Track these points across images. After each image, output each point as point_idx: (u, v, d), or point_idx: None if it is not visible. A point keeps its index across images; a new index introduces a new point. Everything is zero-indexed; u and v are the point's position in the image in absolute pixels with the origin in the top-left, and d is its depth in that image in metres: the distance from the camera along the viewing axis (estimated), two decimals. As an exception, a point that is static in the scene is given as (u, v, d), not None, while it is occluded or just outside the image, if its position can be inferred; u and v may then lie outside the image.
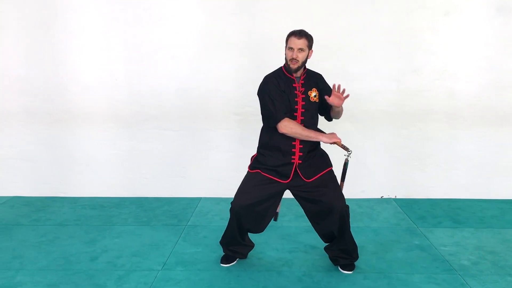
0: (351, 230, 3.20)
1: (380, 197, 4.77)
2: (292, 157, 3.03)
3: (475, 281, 3.10)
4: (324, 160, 3.14)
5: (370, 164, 4.60)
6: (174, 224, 4.11)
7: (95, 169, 4.77)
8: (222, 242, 3.35)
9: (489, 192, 4.73)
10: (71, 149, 4.74)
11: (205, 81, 4.59)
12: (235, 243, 3.29)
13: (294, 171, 3.03)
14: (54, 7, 4.50)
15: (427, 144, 4.67)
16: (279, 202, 3.18)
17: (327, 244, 3.32)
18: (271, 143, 3.05)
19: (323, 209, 3.07)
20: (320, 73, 3.16)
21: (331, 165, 3.15)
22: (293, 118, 2.98)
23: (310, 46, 2.97)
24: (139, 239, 3.78)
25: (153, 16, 4.51)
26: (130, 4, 4.49)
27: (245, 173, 3.21)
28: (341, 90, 2.91)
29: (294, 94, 2.99)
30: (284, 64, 3.03)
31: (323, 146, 3.18)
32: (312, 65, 3.17)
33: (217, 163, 4.73)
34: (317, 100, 3.07)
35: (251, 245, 3.40)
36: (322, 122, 3.21)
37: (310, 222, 3.24)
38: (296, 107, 2.99)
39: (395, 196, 4.78)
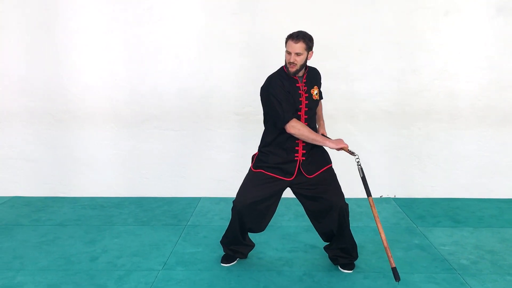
0: (351, 229, 3.21)
1: (379, 197, 4.78)
2: (296, 154, 3.04)
3: (474, 280, 3.11)
4: (324, 157, 3.15)
5: (370, 164, 4.61)
6: (174, 224, 4.11)
7: (95, 169, 4.77)
8: (223, 242, 3.36)
9: (488, 192, 4.74)
10: (72, 149, 4.74)
11: (205, 81, 4.60)
12: (236, 242, 3.30)
13: (298, 168, 3.04)
14: (54, 7, 4.50)
15: (427, 144, 4.68)
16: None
17: (327, 243, 3.33)
18: (275, 142, 3.06)
19: (322, 207, 3.08)
20: (317, 68, 3.18)
21: (331, 162, 3.17)
22: (297, 117, 2.99)
23: (309, 48, 2.94)
24: (139, 239, 3.79)
25: (153, 16, 4.51)
26: (130, 4, 4.49)
27: (245, 173, 3.22)
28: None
29: (298, 94, 3.00)
30: (285, 66, 3.04)
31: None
32: (312, 65, 3.17)
33: (217, 163, 4.74)
34: (318, 98, 3.10)
35: (251, 245, 3.41)
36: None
37: (310, 220, 3.25)
38: (300, 106, 3.00)
39: (395, 196, 4.79)
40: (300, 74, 3.03)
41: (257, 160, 3.14)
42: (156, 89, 4.63)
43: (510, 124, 4.63)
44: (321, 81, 3.20)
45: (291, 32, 2.95)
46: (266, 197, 3.07)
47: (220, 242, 3.39)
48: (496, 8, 4.45)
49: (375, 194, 4.72)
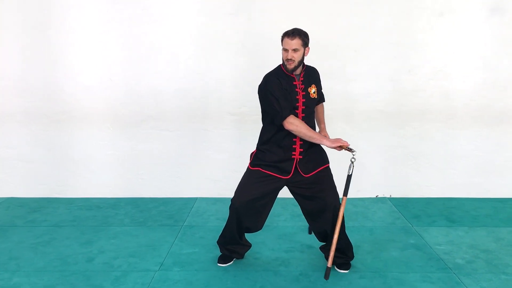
0: (346, 229, 3.22)
1: (375, 196, 4.80)
2: (293, 153, 3.06)
3: (469, 279, 3.13)
4: (322, 156, 3.17)
5: (366, 164, 4.62)
6: (170, 224, 4.11)
7: (91, 170, 4.76)
8: (219, 242, 3.36)
9: (483, 191, 4.77)
10: (67, 149, 4.72)
11: (202, 81, 4.60)
12: (233, 242, 3.30)
13: (295, 166, 3.05)
14: (51, 8, 4.49)
15: (423, 144, 4.70)
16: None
17: (323, 243, 3.34)
18: (272, 140, 3.08)
19: (318, 207, 3.10)
20: (315, 67, 3.20)
21: (328, 162, 3.18)
22: (295, 115, 3.00)
23: (305, 44, 2.97)
24: (135, 239, 3.79)
25: (150, 16, 4.50)
26: (127, 4, 4.48)
27: (242, 173, 3.23)
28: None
29: (295, 92, 3.01)
30: (282, 64, 3.05)
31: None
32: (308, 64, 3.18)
33: (213, 163, 4.74)
34: (316, 96, 3.11)
35: (248, 245, 3.42)
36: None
37: (307, 220, 3.26)
38: (297, 104, 3.02)
39: (390, 195, 4.81)
40: (298, 72, 3.04)
41: (254, 158, 3.15)
42: (152, 90, 4.62)
43: (505, 123, 4.66)
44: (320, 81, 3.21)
45: (286, 30, 2.98)
46: (263, 195, 3.09)
47: (217, 242, 3.39)
48: (490, 8, 4.48)
49: (370, 193, 4.78)
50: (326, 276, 3.04)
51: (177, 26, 4.52)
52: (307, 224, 3.31)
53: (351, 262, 3.30)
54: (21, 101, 4.64)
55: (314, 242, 3.54)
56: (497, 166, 4.73)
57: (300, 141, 3.04)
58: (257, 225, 3.25)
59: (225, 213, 3.56)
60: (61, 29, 4.52)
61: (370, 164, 4.68)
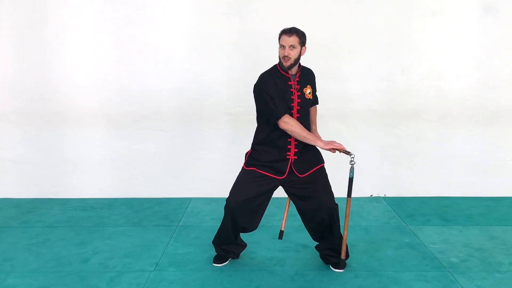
0: (341, 229, 3.23)
1: (369, 196, 4.82)
2: (288, 153, 3.06)
3: (464, 278, 3.15)
4: (317, 156, 3.17)
5: (360, 163, 4.60)
6: (165, 224, 4.11)
7: (85, 170, 4.74)
8: (214, 242, 3.36)
9: (477, 190, 4.80)
10: (61, 150, 4.70)
11: (196, 81, 4.59)
12: (229, 242, 3.30)
13: (290, 167, 3.06)
14: (44, 8, 4.46)
15: (417, 143, 4.72)
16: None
17: (318, 243, 3.35)
18: (267, 140, 3.08)
19: (312, 206, 3.11)
20: (311, 69, 3.21)
21: (323, 162, 3.19)
22: (290, 114, 3.01)
23: (302, 43, 2.99)
24: (130, 240, 3.78)
25: (144, 17, 4.49)
26: (121, 4, 4.47)
27: (236, 173, 3.23)
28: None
29: (290, 92, 3.01)
30: (278, 62, 3.05)
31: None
32: (304, 65, 3.19)
33: (208, 163, 4.74)
34: (311, 97, 3.12)
35: (243, 245, 3.42)
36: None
37: (302, 219, 3.27)
38: (292, 104, 3.02)
39: (385, 195, 4.83)
40: (293, 72, 3.05)
41: (249, 158, 3.16)
42: (147, 90, 4.61)
43: (498, 123, 4.70)
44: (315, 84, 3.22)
45: (284, 28, 3.01)
46: (258, 195, 3.09)
47: (212, 242, 3.39)
48: (483, 8, 4.50)
49: (365, 193, 4.80)
50: (342, 267, 3.23)
51: (172, 26, 4.52)
52: (302, 224, 3.31)
53: (346, 261, 3.31)
54: (14, 102, 4.61)
55: (309, 241, 3.55)
56: (491, 165, 4.77)
57: (295, 141, 3.05)
58: (252, 225, 3.24)
59: (220, 213, 3.56)
60: (55, 29, 4.50)
61: (365, 164, 4.69)
